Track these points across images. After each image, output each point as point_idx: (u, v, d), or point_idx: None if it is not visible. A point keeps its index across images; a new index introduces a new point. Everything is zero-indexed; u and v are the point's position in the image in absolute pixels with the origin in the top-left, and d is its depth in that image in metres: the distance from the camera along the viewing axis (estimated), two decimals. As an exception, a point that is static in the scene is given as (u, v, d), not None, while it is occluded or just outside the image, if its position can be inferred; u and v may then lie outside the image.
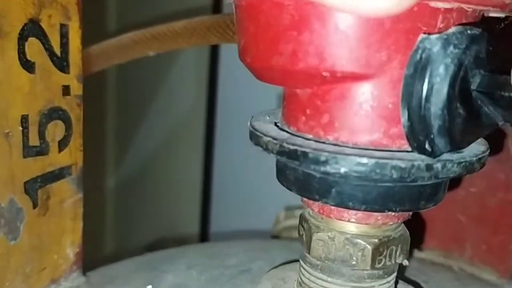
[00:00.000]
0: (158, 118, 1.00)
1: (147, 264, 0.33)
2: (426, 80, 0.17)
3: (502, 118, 0.18)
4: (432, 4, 0.17)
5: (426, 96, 0.17)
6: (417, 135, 0.17)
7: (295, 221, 0.41)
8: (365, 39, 0.18)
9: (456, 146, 0.18)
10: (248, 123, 0.22)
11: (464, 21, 0.18)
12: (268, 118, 0.22)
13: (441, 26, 0.18)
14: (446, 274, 0.35)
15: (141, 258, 0.34)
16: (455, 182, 0.37)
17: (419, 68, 0.17)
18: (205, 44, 0.67)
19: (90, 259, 0.32)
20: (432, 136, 0.17)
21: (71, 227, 0.30)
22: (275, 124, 0.22)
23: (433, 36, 0.17)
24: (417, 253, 0.39)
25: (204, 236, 0.88)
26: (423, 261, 0.37)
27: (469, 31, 0.17)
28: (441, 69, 0.17)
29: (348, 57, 0.18)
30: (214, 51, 0.82)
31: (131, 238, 1.06)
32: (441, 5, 0.17)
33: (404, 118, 0.18)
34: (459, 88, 0.17)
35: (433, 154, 0.18)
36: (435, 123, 0.17)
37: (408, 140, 0.18)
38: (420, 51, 0.17)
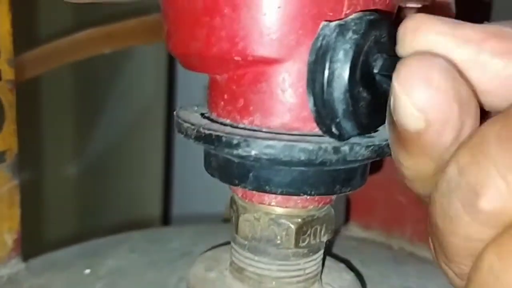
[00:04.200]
0: (119, 103, 0.99)
1: (90, 250, 0.33)
2: (327, 66, 0.17)
3: None
4: (336, -11, 0.17)
5: (328, 81, 0.17)
6: (324, 119, 0.18)
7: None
8: (273, 24, 0.18)
9: (364, 129, 0.18)
10: (174, 112, 0.22)
11: (372, 8, 0.19)
12: (196, 108, 0.23)
13: (347, 12, 0.18)
14: (384, 253, 0.36)
15: (85, 244, 0.34)
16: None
17: (320, 55, 0.17)
18: (159, 41, 0.67)
19: (52, 245, 0.32)
20: (338, 120, 0.18)
21: (8, 214, 0.30)
22: (202, 114, 0.22)
23: (332, 23, 0.17)
24: (359, 233, 0.40)
25: (166, 219, 0.88)
26: (364, 241, 0.38)
27: (367, 17, 0.17)
28: (341, 55, 0.17)
29: (258, 41, 0.18)
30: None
31: (94, 222, 1.06)
32: (342, -10, 0.18)
33: (310, 104, 0.18)
34: (361, 72, 0.17)
35: (341, 137, 0.18)
36: (339, 107, 0.17)
37: (317, 124, 0.19)
38: (320, 38, 0.17)
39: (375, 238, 0.40)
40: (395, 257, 0.35)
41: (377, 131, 0.21)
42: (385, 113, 0.19)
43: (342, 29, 0.17)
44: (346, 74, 0.17)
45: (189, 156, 0.83)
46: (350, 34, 0.17)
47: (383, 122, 0.20)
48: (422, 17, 0.16)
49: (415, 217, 0.39)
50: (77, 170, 1.12)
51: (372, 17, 0.18)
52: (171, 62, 0.85)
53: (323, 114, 0.18)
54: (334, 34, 0.17)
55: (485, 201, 0.14)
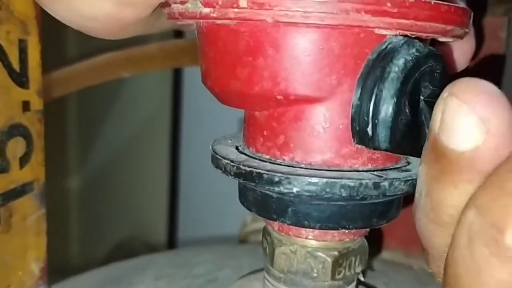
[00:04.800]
0: (123, 120, 0.99)
1: (114, 276, 0.33)
2: (386, 65, 0.18)
3: None
4: (377, 31, 0.18)
5: (383, 78, 0.18)
6: (363, 115, 0.18)
7: (262, 224, 0.42)
8: (316, 64, 0.18)
9: (395, 145, 0.18)
10: (210, 147, 0.22)
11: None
12: (230, 141, 0.23)
13: (387, 52, 0.18)
14: (406, 275, 0.36)
15: (108, 268, 0.34)
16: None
17: (382, 55, 0.18)
18: (178, 67, 0.67)
19: (54, 263, 0.32)
20: (376, 121, 0.18)
21: (35, 243, 0.30)
22: (236, 147, 0.22)
23: (401, 36, 0.18)
24: (379, 254, 0.40)
25: (172, 241, 0.88)
26: (385, 262, 0.38)
27: (430, 47, 0.18)
28: (401, 62, 0.18)
29: (300, 81, 0.19)
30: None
31: (97, 240, 1.05)
32: (385, 32, 0.18)
33: (355, 97, 0.18)
34: (412, 88, 0.18)
35: (371, 142, 0.18)
36: (383, 108, 0.18)
37: (353, 123, 0.19)
38: (387, 43, 0.18)
39: (394, 259, 0.40)
40: (418, 278, 0.36)
41: (409, 163, 0.22)
42: (416, 143, 0.20)
43: (409, 42, 0.18)
44: (400, 79, 0.18)
45: (195, 178, 0.83)
46: (414, 50, 0.18)
47: (413, 154, 0.20)
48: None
49: (434, 237, 0.39)
50: (80, 188, 1.12)
51: (433, 49, 0.19)
52: (176, 76, 0.85)
53: (365, 109, 0.18)
54: (402, 42, 0.18)
55: (510, 236, 0.14)
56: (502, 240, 0.14)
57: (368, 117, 0.18)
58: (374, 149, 0.19)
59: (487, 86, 0.15)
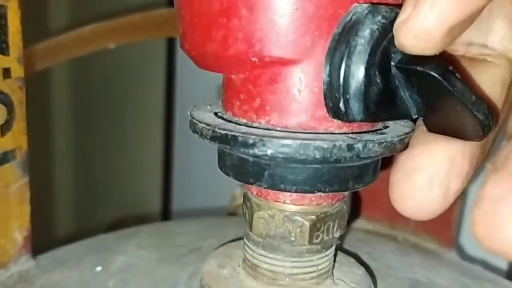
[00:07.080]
0: (117, 93, 0.99)
1: (98, 246, 0.33)
2: (351, 38, 0.18)
3: (416, 110, 0.19)
4: (352, -10, 0.18)
5: (349, 53, 0.18)
6: (334, 92, 0.18)
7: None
8: (290, 25, 0.18)
9: (370, 115, 0.19)
10: (188, 113, 0.22)
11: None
12: (209, 107, 0.23)
13: (362, 13, 0.18)
14: (390, 245, 0.36)
15: (93, 240, 0.34)
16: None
17: (347, 27, 0.18)
18: (164, 36, 0.67)
19: (49, 240, 0.33)
20: (347, 96, 0.18)
21: (18, 212, 0.30)
22: (216, 113, 0.22)
23: (365, 4, 0.18)
24: (364, 225, 0.40)
25: (166, 214, 0.89)
26: (369, 233, 0.39)
27: (398, 10, 0.18)
28: (367, 32, 0.17)
29: (275, 42, 0.18)
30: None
31: (92, 217, 1.06)
32: (359, -9, 0.18)
33: (325, 74, 0.18)
34: (380, 58, 0.18)
35: (346, 116, 0.18)
36: (352, 83, 0.18)
37: (325, 99, 0.19)
38: (351, 14, 0.18)
39: (379, 230, 0.41)
40: (401, 249, 0.36)
41: (387, 127, 0.22)
42: (392, 108, 0.20)
43: (373, 10, 0.18)
44: (367, 51, 0.17)
45: (189, 151, 0.83)
46: (379, 17, 0.18)
47: (390, 119, 0.20)
48: None
49: (419, 209, 0.39)
50: (76, 165, 1.12)
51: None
52: (169, 48, 0.84)
53: (335, 86, 0.18)
54: (366, 12, 0.18)
55: None
56: None
57: (339, 93, 0.18)
58: (350, 122, 0.19)
59: None
